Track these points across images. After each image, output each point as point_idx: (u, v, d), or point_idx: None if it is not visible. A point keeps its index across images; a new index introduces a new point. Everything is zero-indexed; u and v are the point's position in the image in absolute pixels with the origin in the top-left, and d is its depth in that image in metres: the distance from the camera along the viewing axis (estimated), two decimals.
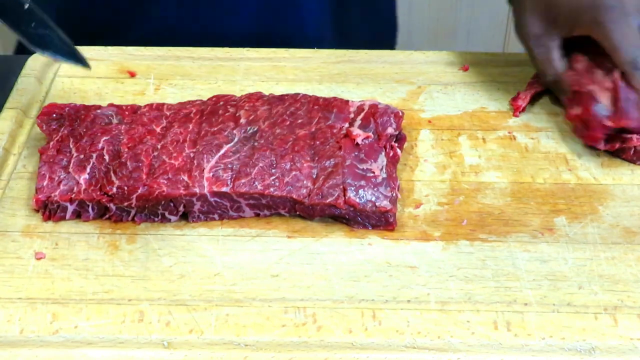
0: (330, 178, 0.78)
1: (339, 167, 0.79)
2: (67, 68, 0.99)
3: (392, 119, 0.85)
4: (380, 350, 0.68)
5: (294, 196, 0.77)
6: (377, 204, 0.77)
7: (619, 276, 0.74)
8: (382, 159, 0.81)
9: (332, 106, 0.87)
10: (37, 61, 0.99)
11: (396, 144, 0.85)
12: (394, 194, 0.79)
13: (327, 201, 0.77)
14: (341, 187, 0.78)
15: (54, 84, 0.97)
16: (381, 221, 0.78)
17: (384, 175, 0.79)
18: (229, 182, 0.78)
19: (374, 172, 0.79)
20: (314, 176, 0.79)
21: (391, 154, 0.83)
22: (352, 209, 0.77)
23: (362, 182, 0.78)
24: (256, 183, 0.78)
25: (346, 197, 0.77)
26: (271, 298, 0.71)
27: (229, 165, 0.79)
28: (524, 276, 0.74)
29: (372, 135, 0.83)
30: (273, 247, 0.76)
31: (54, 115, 0.85)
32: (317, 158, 0.80)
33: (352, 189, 0.78)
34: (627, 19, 0.82)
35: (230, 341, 0.68)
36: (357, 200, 0.77)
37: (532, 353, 0.68)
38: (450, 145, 0.89)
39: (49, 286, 0.72)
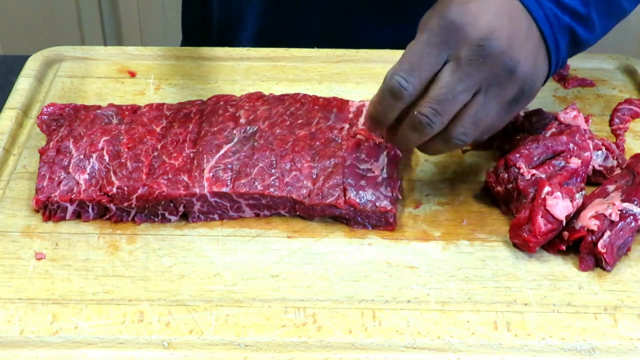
0: (331, 178, 0.78)
1: (339, 167, 0.79)
2: (67, 68, 0.99)
3: None
4: (381, 351, 0.68)
5: (294, 196, 0.77)
6: (377, 204, 0.77)
7: (618, 276, 0.74)
8: (383, 159, 0.81)
9: (332, 106, 0.87)
10: (37, 61, 0.99)
11: None
12: (395, 194, 0.79)
13: (327, 201, 0.77)
14: (341, 187, 0.78)
15: (53, 84, 0.97)
16: (381, 221, 0.78)
17: (385, 175, 0.79)
18: (228, 183, 0.77)
19: (374, 172, 0.79)
20: (314, 176, 0.79)
21: (392, 153, 0.83)
22: (352, 209, 0.77)
23: (363, 182, 0.78)
24: (256, 183, 0.77)
25: (346, 197, 0.77)
26: (271, 298, 0.71)
27: (229, 166, 0.79)
28: (524, 276, 0.74)
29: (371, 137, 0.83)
30: (273, 247, 0.76)
31: (54, 115, 0.85)
32: (317, 158, 0.80)
33: (352, 189, 0.78)
34: (427, 45, 0.72)
35: (230, 341, 0.68)
36: (357, 200, 0.77)
37: (532, 353, 0.68)
38: None
39: (49, 286, 0.72)
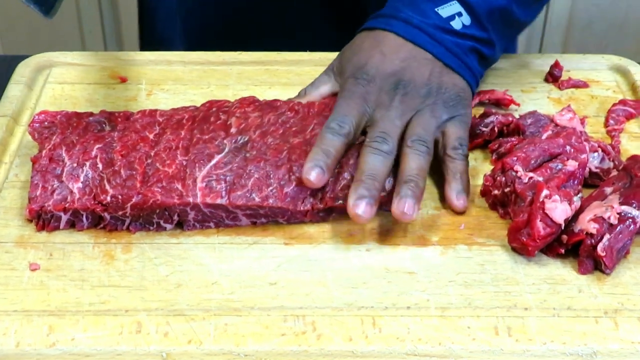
0: (340, 180, 0.78)
1: (343, 167, 0.79)
2: (57, 74, 0.98)
3: None
4: (381, 358, 0.67)
5: (300, 208, 0.77)
6: None
7: (618, 279, 0.74)
8: None
9: (327, 110, 0.86)
10: (26, 67, 0.98)
11: None
12: None
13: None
14: None
15: (44, 90, 0.96)
16: None
17: None
18: (223, 194, 0.76)
19: None
20: None
21: None
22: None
23: None
24: (253, 195, 0.77)
25: None
26: (270, 306, 0.71)
27: (222, 177, 0.78)
28: (523, 280, 0.73)
29: None
30: (270, 255, 0.76)
31: (46, 123, 0.84)
32: None
33: None
34: (358, 94, 0.84)
35: (230, 351, 0.67)
36: (382, 193, 0.77)
37: (534, 358, 0.67)
38: None
39: (45, 298, 0.71)
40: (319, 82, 0.91)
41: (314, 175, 0.76)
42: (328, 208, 0.77)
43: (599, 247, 0.72)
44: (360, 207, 0.75)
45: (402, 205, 0.75)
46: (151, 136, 0.83)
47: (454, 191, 0.80)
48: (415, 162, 0.79)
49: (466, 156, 0.83)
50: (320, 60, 1.00)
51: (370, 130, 0.81)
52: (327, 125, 0.81)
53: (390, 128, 0.81)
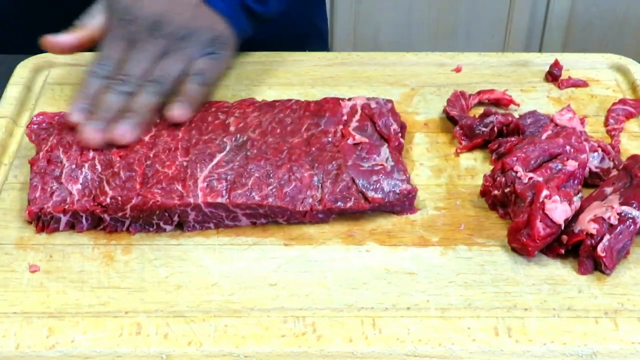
0: (338, 181, 0.78)
1: (342, 168, 0.79)
2: (56, 75, 0.98)
3: (390, 117, 0.85)
4: (381, 359, 0.67)
5: (299, 208, 0.76)
6: (397, 190, 0.78)
7: (618, 279, 0.74)
8: (385, 152, 0.81)
9: (324, 110, 0.86)
10: (25, 68, 0.98)
11: (399, 134, 0.85)
12: (408, 175, 0.80)
13: (348, 206, 0.77)
14: (354, 189, 0.78)
15: (43, 91, 0.96)
16: (405, 205, 0.79)
17: (392, 164, 0.80)
18: (224, 193, 0.76)
19: (381, 165, 0.79)
20: (318, 183, 0.78)
21: (395, 144, 0.84)
22: (376, 205, 0.77)
23: (375, 177, 0.79)
24: (253, 193, 0.77)
25: (369, 198, 0.77)
26: (270, 307, 0.71)
27: (223, 176, 0.78)
28: (523, 280, 0.73)
29: (370, 139, 0.82)
30: (270, 255, 0.76)
31: (44, 124, 0.84)
32: (316, 165, 0.79)
33: (368, 188, 0.78)
34: (121, 35, 0.88)
35: (230, 352, 0.67)
36: (380, 195, 0.77)
37: (534, 359, 0.67)
38: (446, 148, 0.88)
39: (44, 299, 0.71)
40: (94, 10, 0.92)
41: (76, 116, 0.83)
42: (327, 209, 0.77)
43: (599, 248, 0.72)
44: (91, 134, 0.81)
45: (117, 129, 0.81)
46: (146, 138, 0.82)
47: (174, 103, 0.85)
48: (141, 97, 0.84)
49: (204, 83, 0.87)
50: (319, 60, 1.00)
51: (118, 69, 0.86)
52: (90, 68, 0.86)
53: (135, 70, 0.85)
